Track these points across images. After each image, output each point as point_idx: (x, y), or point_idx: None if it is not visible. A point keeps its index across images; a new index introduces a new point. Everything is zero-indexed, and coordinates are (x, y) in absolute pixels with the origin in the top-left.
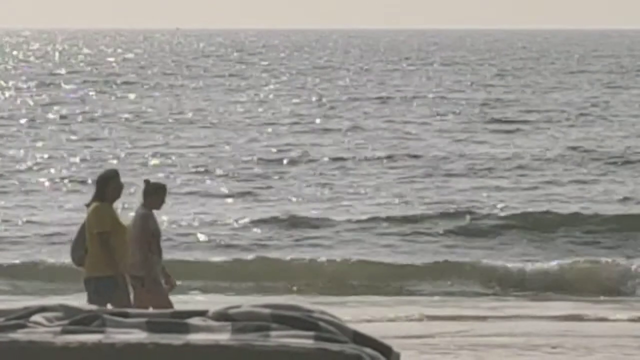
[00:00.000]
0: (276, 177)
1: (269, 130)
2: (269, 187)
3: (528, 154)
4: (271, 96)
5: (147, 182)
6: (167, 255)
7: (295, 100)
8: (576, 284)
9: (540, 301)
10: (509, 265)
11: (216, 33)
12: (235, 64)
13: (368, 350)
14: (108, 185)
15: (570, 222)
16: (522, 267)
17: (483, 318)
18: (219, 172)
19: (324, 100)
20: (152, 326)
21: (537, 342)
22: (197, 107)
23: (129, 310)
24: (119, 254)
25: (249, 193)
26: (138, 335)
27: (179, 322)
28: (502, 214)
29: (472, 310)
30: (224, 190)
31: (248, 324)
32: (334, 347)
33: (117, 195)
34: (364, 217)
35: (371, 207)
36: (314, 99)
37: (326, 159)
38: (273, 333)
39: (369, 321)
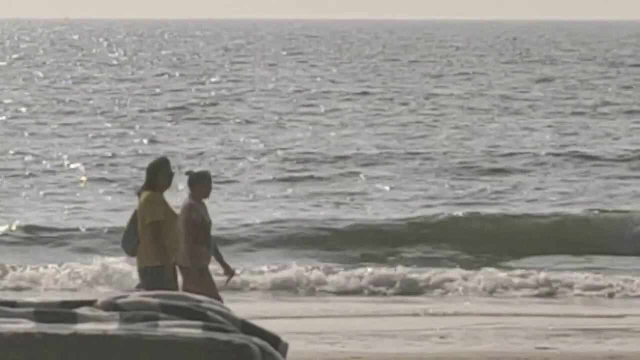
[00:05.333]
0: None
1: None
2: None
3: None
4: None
5: (189, 172)
6: None
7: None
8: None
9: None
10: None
11: (107, 23)
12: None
13: (256, 339)
14: (158, 174)
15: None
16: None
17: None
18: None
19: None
20: (40, 316)
21: (425, 333)
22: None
23: (17, 300)
24: (172, 243)
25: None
26: (26, 325)
27: (67, 311)
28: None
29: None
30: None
31: (136, 313)
32: (222, 336)
33: (167, 183)
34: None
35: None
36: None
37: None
38: (161, 323)
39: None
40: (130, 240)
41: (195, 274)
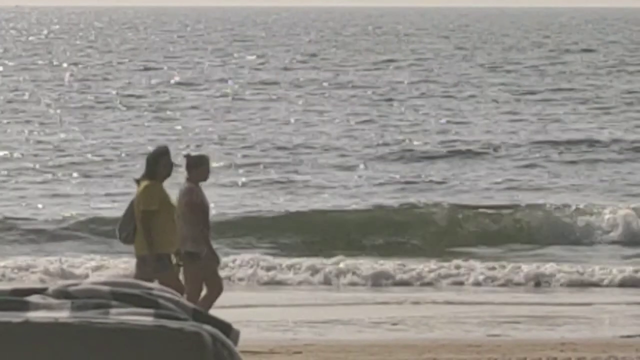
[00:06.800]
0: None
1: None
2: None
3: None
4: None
5: (188, 155)
6: None
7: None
8: None
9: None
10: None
11: (56, 10)
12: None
13: (208, 327)
14: (159, 163)
15: None
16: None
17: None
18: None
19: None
20: None
21: (377, 321)
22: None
23: None
24: (167, 232)
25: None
26: None
27: (19, 299)
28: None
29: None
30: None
31: (87, 301)
32: (174, 324)
33: (167, 172)
34: None
35: None
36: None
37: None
38: (113, 310)
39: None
40: (126, 228)
41: (203, 257)
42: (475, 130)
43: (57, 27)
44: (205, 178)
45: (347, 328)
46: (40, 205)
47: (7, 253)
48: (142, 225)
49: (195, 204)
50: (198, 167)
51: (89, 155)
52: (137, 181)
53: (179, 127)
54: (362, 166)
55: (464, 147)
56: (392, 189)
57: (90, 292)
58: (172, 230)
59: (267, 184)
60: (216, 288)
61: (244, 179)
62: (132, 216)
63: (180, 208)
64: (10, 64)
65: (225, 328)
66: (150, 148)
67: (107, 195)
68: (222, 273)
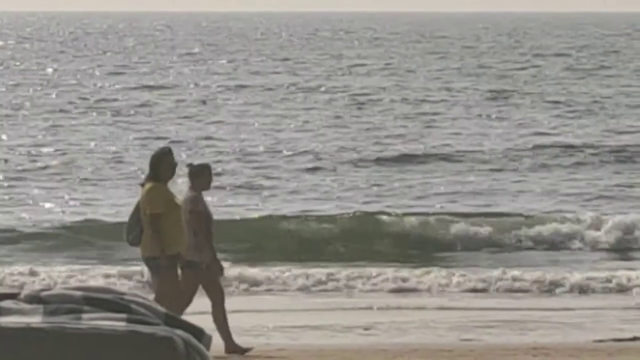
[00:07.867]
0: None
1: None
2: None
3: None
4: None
5: (190, 164)
6: None
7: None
8: None
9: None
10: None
11: (28, 15)
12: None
13: (179, 332)
14: (161, 164)
15: None
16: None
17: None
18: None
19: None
20: None
21: (349, 325)
22: None
23: None
24: (175, 234)
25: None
26: None
27: None
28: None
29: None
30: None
31: (60, 306)
32: (146, 329)
33: (171, 173)
34: None
35: None
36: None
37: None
38: (85, 315)
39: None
40: (132, 230)
41: (203, 267)
42: (448, 134)
43: (28, 30)
44: (207, 186)
45: (319, 333)
46: (11, 210)
47: None
48: (151, 228)
49: (199, 212)
50: (200, 176)
51: (60, 160)
52: (142, 185)
53: (150, 132)
54: (333, 171)
55: (436, 152)
56: (364, 193)
57: (62, 297)
58: (180, 230)
59: (237, 188)
60: (219, 295)
61: (213, 184)
62: (138, 219)
63: (184, 216)
64: None
65: (198, 333)
66: (125, 152)
67: (75, 199)
68: None
